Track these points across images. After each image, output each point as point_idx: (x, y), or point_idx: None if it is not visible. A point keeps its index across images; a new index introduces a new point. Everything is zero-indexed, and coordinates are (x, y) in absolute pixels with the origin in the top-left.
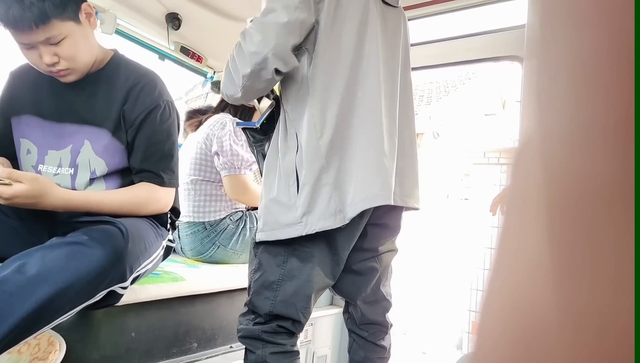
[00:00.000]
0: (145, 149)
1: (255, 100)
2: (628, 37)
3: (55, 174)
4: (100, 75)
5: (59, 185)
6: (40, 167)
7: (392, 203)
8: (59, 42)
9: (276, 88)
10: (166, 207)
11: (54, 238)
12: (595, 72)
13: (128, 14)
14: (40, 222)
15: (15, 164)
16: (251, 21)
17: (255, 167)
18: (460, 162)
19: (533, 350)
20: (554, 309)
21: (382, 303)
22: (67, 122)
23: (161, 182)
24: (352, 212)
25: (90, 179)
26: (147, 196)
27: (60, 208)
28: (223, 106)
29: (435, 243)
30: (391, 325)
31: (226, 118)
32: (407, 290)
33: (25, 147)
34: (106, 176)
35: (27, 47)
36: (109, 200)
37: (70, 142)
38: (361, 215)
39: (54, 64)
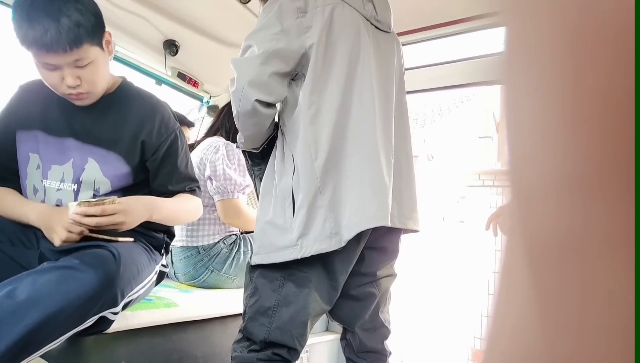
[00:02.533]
0: (172, 174)
1: None
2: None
3: (58, 189)
4: (110, 100)
5: (61, 200)
6: (44, 181)
7: (389, 224)
8: (84, 66)
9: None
10: (200, 215)
11: (45, 263)
12: (558, 111)
13: (126, 40)
14: (33, 248)
15: (14, 178)
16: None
17: (248, 190)
18: (455, 185)
19: None
20: (544, 359)
21: (381, 330)
22: (71, 138)
23: (195, 193)
24: (348, 234)
25: (94, 196)
26: (193, 204)
27: (146, 217)
28: (215, 129)
29: (433, 267)
30: (390, 353)
31: (219, 141)
32: (405, 315)
33: (35, 161)
34: (107, 195)
35: (52, 68)
36: (176, 206)
37: (71, 157)
38: (358, 238)
39: (75, 87)
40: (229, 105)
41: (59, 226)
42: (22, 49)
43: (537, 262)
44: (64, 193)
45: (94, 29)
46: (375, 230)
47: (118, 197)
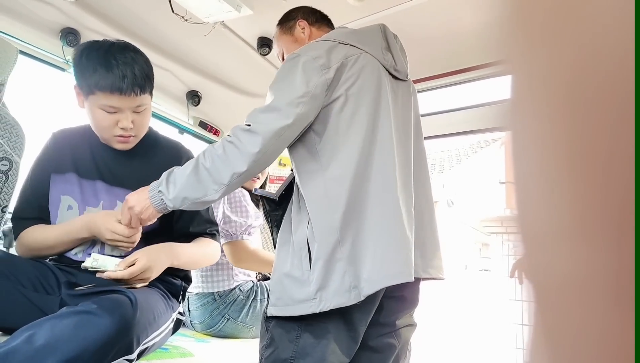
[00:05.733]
0: (193, 217)
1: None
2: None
3: None
4: (138, 146)
5: (97, 241)
6: None
7: (412, 279)
8: (140, 112)
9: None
10: (217, 259)
11: (64, 308)
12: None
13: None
14: (55, 294)
15: (46, 219)
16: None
17: (253, 230)
18: (477, 232)
19: None
20: None
21: None
22: (100, 181)
23: (215, 238)
24: (369, 289)
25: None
26: (211, 248)
27: (167, 265)
28: None
29: (455, 317)
30: None
31: None
32: None
33: (67, 203)
34: None
35: (112, 111)
36: (193, 252)
37: (101, 199)
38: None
39: (128, 129)
40: None
41: (103, 228)
42: (70, 90)
43: (544, 307)
44: None
45: (152, 80)
46: None
47: (142, 241)
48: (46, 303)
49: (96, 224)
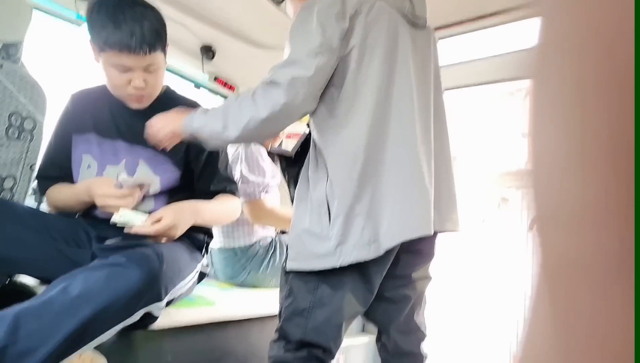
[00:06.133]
0: (213, 175)
1: None
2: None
3: None
4: (155, 104)
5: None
6: None
7: (431, 233)
8: (152, 71)
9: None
10: (238, 215)
11: (95, 261)
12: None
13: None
14: (86, 247)
15: (69, 178)
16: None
17: (271, 189)
18: (496, 186)
19: None
20: None
21: (416, 333)
22: (120, 140)
23: (234, 195)
24: (388, 243)
25: (144, 196)
26: (232, 205)
27: (191, 223)
28: None
29: (471, 271)
30: (426, 356)
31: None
32: (442, 318)
33: (87, 162)
34: (156, 195)
35: (124, 69)
36: (215, 209)
37: (123, 157)
38: None
39: (140, 89)
40: None
41: (97, 198)
42: (85, 46)
43: (554, 284)
44: None
45: (163, 37)
46: None
47: (165, 200)
48: (78, 256)
49: (90, 189)
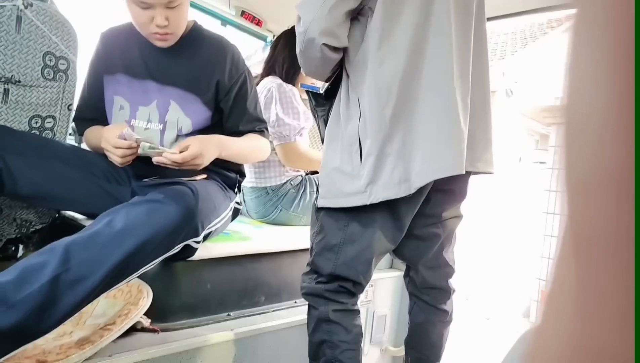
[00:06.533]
0: (242, 115)
1: None
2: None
3: (145, 129)
4: (183, 43)
5: (150, 138)
6: (132, 121)
7: (463, 172)
8: (174, 7)
9: None
10: (268, 155)
11: (135, 197)
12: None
13: None
14: (125, 184)
15: (105, 119)
16: None
17: (305, 132)
18: (534, 122)
19: None
20: (582, 350)
21: (445, 269)
22: (151, 80)
23: (263, 134)
24: (419, 182)
25: (177, 136)
26: (260, 143)
27: (216, 155)
28: (269, 69)
29: (504, 209)
30: (454, 290)
31: (272, 84)
32: (472, 255)
33: (119, 103)
34: (187, 135)
35: (145, 6)
36: (242, 145)
37: (154, 98)
38: None
39: (163, 27)
40: (283, 36)
41: (102, 138)
42: None
43: (581, 252)
44: (152, 133)
45: None
46: None
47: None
48: (119, 192)
49: (102, 133)
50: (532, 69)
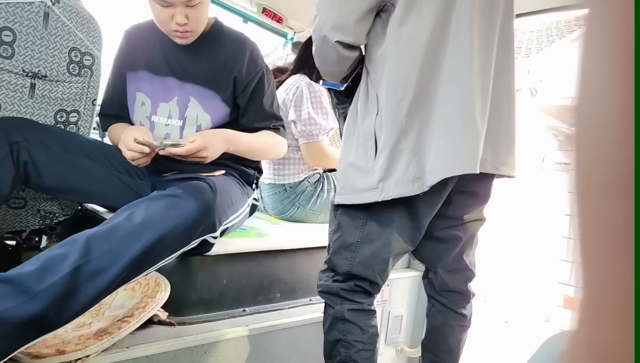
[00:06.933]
0: (258, 111)
1: None
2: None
3: (166, 125)
4: (204, 39)
5: (170, 135)
6: (153, 118)
7: (477, 171)
8: (194, 6)
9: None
10: (283, 153)
11: (155, 192)
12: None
13: None
14: (145, 179)
15: (128, 115)
16: None
17: (332, 133)
18: (558, 122)
19: None
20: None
21: (465, 272)
22: (171, 77)
23: (278, 132)
24: (432, 180)
25: (196, 132)
26: (273, 140)
27: (224, 149)
28: (299, 66)
29: (526, 211)
30: (473, 294)
31: (301, 82)
32: (492, 256)
33: (140, 99)
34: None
35: (166, 5)
36: (253, 140)
37: (175, 95)
38: (445, 182)
39: (182, 25)
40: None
41: (120, 140)
42: None
43: (587, 251)
44: (172, 129)
45: None
46: (464, 174)
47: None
48: (140, 186)
49: (122, 135)
50: (558, 68)
